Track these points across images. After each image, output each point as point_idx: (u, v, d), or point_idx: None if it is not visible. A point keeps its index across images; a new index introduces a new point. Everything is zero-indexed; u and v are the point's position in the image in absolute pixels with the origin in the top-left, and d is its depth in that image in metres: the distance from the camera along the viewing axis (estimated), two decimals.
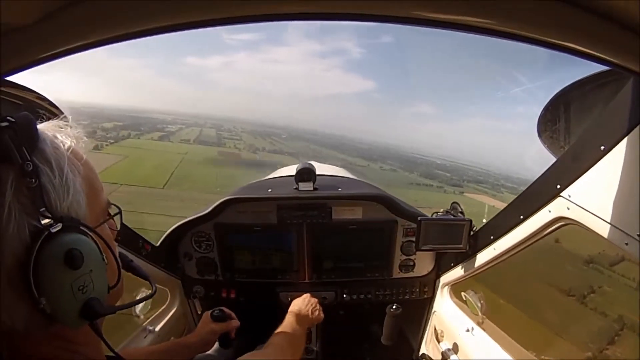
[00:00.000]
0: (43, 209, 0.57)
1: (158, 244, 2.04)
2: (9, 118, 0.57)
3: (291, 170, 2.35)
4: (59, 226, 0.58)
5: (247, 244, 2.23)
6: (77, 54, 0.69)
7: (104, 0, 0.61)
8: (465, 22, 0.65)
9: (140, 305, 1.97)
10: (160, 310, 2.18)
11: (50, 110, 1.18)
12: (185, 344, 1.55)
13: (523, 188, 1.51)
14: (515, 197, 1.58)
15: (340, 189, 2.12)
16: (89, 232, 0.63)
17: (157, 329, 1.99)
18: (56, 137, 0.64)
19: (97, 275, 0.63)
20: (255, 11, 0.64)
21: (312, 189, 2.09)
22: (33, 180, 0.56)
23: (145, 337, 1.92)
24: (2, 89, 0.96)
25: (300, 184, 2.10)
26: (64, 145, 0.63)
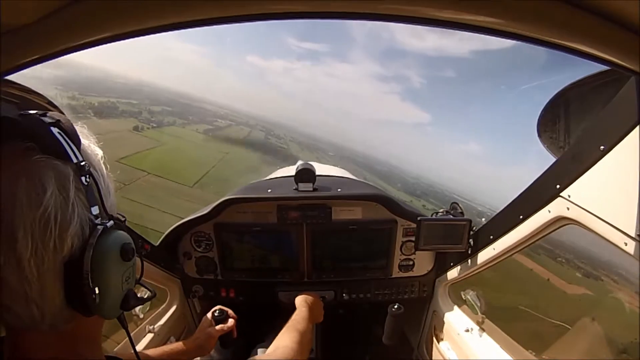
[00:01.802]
0: (96, 205, 0.61)
1: (157, 244, 2.05)
2: (51, 115, 0.61)
3: (291, 170, 2.36)
4: (112, 222, 0.63)
5: (247, 244, 2.23)
6: None
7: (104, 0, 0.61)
8: (466, 21, 0.65)
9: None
10: (159, 309, 2.18)
11: (49, 110, 1.18)
12: (183, 349, 1.54)
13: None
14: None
15: (340, 190, 2.12)
16: (130, 231, 0.69)
17: (156, 328, 1.99)
18: (89, 143, 0.68)
19: (134, 269, 0.69)
20: (257, 10, 0.64)
21: (311, 189, 2.09)
22: (87, 178, 0.60)
23: (144, 336, 1.92)
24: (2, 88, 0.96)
25: (300, 184, 2.10)
26: (98, 152, 0.69)
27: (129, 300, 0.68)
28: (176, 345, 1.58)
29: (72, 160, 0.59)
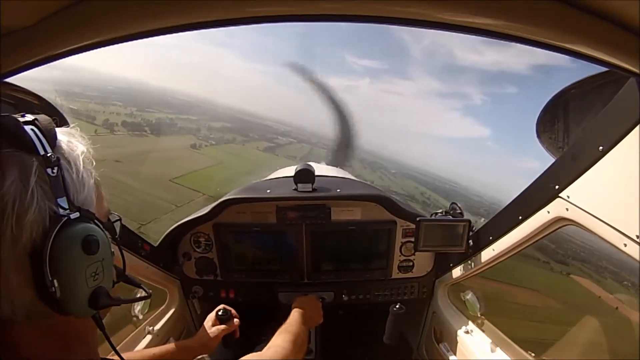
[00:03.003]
0: (62, 197, 0.61)
1: (157, 244, 2.04)
2: (29, 115, 0.63)
3: (290, 171, 2.36)
4: (77, 214, 0.62)
5: (246, 245, 2.23)
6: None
7: (104, 2, 0.61)
8: (464, 23, 0.65)
9: (139, 305, 1.97)
10: (159, 310, 2.18)
11: (47, 111, 1.18)
12: (185, 347, 1.55)
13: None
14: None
15: (339, 190, 2.12)
16: (100, 225, 0.67)
17: (156, 329, 1.99)
18: (71, 140, 0.68)
19: (107, 265, 0.67)
20: (257, 12, 0.64)
21: (311, 189, 2.09)
22: (54, 170, 0.60)
23: (144, 337, 1.92)
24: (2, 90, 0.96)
25: (299, 184, 2.10)
26: (78, 148, 0.68)
27: (99, 298, 0.65)
28: (180, 344, 1.60)
29: (38, 153, 0.59)
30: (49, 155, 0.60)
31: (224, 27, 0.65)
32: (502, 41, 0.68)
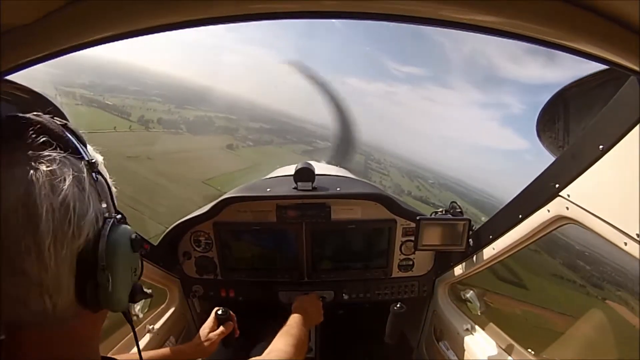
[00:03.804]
0: (104, 201, 0.65)
1: (157, 244, 2.04)
2: (59, 119, 0.66)
3: (290, 170, 2.36)
4: (120, 216, 0.68)
5: (246, 243, 2.23)
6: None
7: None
8: (464, 20, 0.65)
9: (139, 304, 1.97)
10: (159, 309, 2.18)
11: (49, 111, 1.18)
12: (185, 352, 1.56)
13: None
14: None
15: (339, 189, 2.12)
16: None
17: (156, 327, 1.99)
18: (92, 148, 0.72)
19: (140, 262, 0.74)
20: (257, 9, 0.64)
21: (311, 188, 2.09)
22: (97, 174, 0.65)
23: (144, 336, 1.92)
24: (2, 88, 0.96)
25: (299, 183, 2.10)
26: (99, 157, 0.72)
27: (136, 293, 0.71)
28: (178, 348, 1.60)
29: (84, 158, 0.63)
30: (93, 161, 0.64)
31: (224, 24, 0.65)
32: (505, 39, 0.68)
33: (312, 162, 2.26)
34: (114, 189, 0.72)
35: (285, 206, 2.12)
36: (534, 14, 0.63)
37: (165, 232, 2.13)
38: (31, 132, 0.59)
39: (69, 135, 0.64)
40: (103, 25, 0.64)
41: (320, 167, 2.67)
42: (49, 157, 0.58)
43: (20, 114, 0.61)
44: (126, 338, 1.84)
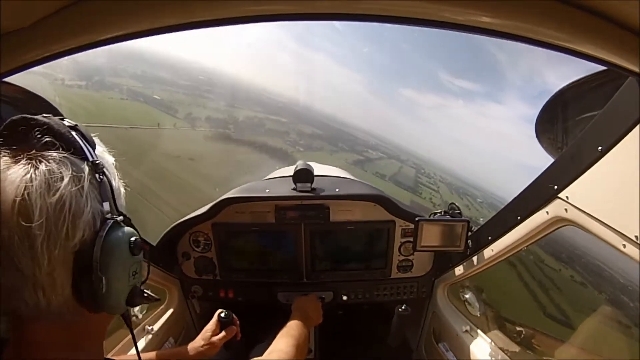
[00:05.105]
0: (106, 201, 0.65)
1: (156, 244, 2.04)
2: (69, 120, 0.67)
3: (289, 171, 2.36)
4: (121, 218, 0.67)
5: (245, 244, 2.23)
6: None
7: (103, 1, 0.61)
8: (463, 21, 0.65)
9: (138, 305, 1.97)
10: (158, 310, 2.18)
11: (48, 112, 1.18)
12: (185, 355, 1.55)
13: None
14: None
15: (338, 190, 2.12)
16: (136, 228, 0.72)
17: (155, 328, 1.99)
18: (104, 149, 0.73)
19: (141, 266, 0.73)
20: (259, 11, 0.64)
21: (309, 189, 2.09)
22: (101, 175, 0.65)
23: (143, 336, 1.92)
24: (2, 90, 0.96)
25: (298, 184, 2.10)
26: (109, 157, 0.73)
27: (135, 297, 0.70)
28: (178, 350, 1.59)
29: (88, 159, 0.64)
30: (97, 162, 0.64)
31: (223, 25, 0.65)
32: (506, 40, 0.68)
33: (310, 163, 2.26)
34: (121, 190, 0.73)
35: (284, 207, 2.12)
36: (533, 15, 0.63)
37: (164, 233, 2.13)
38: (37, 133, 0.60)
39: (75, 136, 0.64)
40: (100, 27, 0.65)
41: (319, 168, 2.67)
42: (49, 157, 0.59)
43: (29, 115, 0.62)
44: (126, 339, 1.84)
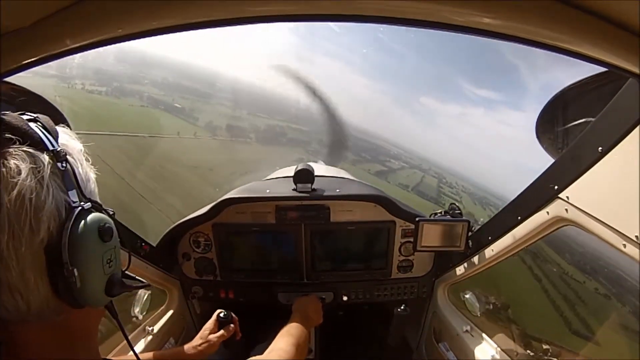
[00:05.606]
0: (72, 190, 0.63)
1: (156, 244, 2.04)
2: (30, 113, 0.65)
3: (290, 171, 2.36)
4: (89, 204, 0.64)
5: (246, 245, 2.23)
6: None
7: (104, 2, 0.61)
8: (462, 22, 0.65)
9: (139, 305, 1.97)
10: (158, 310, 2.18)
11: (47, 110, 1.18)
12: (184, 355, 1.56)
13: None
14: None
15: (338, 190, 2.12)
16: (109, 214, 0.69)
17: (155, 329, 1.99)
18: (70, 136, 0.71)
19: (118, 253, 0.69)
20: (259, 12, 0.64)
21: (310, 189, 2.09)
22: (64, 164, 0.62)
23: (143, 337, 1.92)
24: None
25: (298, 184, 2.10)
26: (77, 145, 0.71)
27: (114, 286, 0.67)
28: (177, 350, 1.59)
29: (48, 149, 0.61)
30: (58, 150, 0.62)
31: (224, 26, 0.65)
32: (506, 42, 0.68)
33: (311, 164, 2.26)
34: (91, 176, 0.70)
35: (285, 207, 2.12)
36: (533, 16, 0.63)
37: (165, 233, 2.13)
38: None
39: (34, 128, 0.62)
40: (100, 27, 0.64)
41: (320, 169, 2.67)
42: (6, 153, 0.57)
43: None
44: (124, 341, 1.84)
